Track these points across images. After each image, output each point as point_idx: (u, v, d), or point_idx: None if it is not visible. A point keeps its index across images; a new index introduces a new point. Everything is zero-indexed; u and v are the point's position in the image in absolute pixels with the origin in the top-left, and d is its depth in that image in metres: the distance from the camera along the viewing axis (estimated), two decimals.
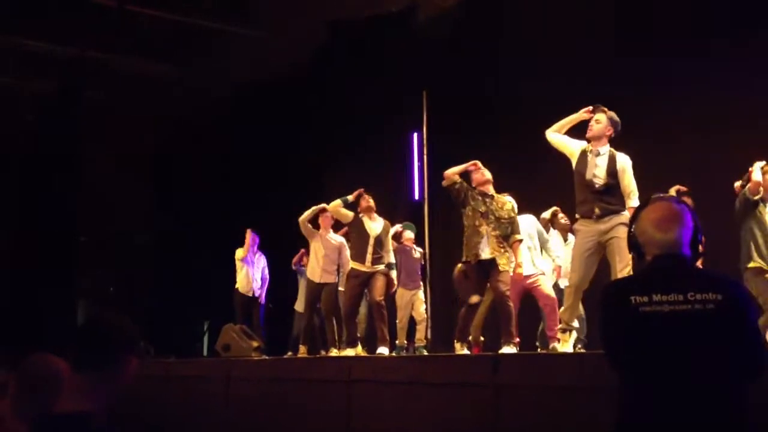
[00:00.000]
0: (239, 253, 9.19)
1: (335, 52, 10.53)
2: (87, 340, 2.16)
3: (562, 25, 8.18)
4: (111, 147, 12.05)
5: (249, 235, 9.22)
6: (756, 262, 5.83)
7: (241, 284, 9.15)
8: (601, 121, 5.30)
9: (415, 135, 10.17)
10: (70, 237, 12.47)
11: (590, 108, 5.40)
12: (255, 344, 7.81)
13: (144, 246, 13.15)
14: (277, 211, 10.02)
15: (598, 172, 5.23)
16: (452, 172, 6.24)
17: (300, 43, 10.42)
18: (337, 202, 7.28)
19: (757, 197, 5.91)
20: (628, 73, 7.55)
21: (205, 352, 12.16)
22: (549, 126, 5.55)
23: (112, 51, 10.84)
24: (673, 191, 6.29)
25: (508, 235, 6.12)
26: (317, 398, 5.59)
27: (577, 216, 5.37)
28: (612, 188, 5.21)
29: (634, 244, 2.60)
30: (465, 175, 6.31)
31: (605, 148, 5.29)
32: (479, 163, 6.30)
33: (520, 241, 6.25)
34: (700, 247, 2.55)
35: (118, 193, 12.44)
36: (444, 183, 6.28)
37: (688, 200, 6.26)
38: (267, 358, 7.75)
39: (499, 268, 5.95)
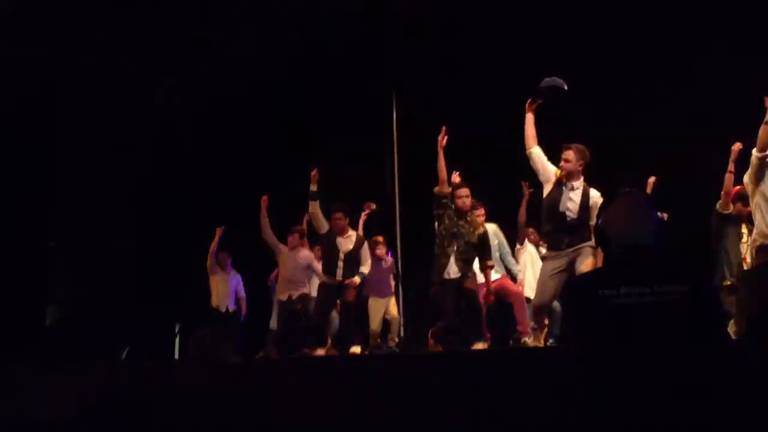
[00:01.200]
0: (209, 259, 9.02)
1: (306, 51, 10.49)
2: (57, 344, 2.14)
3: (531, 21, 8.24)
4: (85, 150, 11.87)
5: (218, 233, 9.10)
6: (730, 280, 5.87)
7: (214, 299, 9.05)
8: (569, 159, 5.37)
9: (387, 134, 10.18)
10: (39, 241, 12.26)
11: (530, 100, 5.47)
12: (227, 348, 7.77)
13: (118, 250, 12.97)
14: (252, 216, 10.01)
15: (571, 206, 5.30)
16: (443, 178, 6.23)
17: (271, 44, 10.36)
18: (311, 203, 7.23)
19: (727, 211, 5.99)
20: (599, 70, 7.60)
21: (176, 355, 12.05)
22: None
23: (85, 52, 10.67)
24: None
25: (471, 260, 6.23)
26: (291, 398, 5.57)
27: (544, 244, 5.45)
28: (583, 222, 5.30)
29: (601, 237, 2.64)
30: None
31: (579, 183, 5.38)
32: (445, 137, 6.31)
33: (491, 267, 6.36)
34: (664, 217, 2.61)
35: (91, 198, 12.27)
36: (435, 189, 6.30)
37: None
38: (239, 362, 7.71)
39: (467, 274, 6.11)
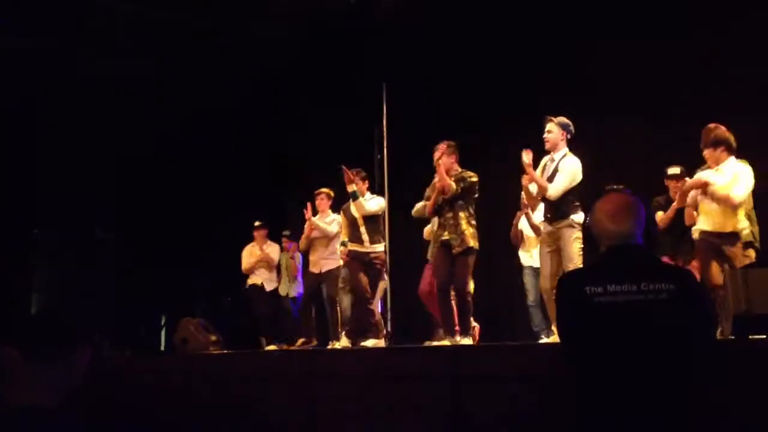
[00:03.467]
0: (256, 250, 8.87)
1: (295, 46, 10.45)
2: (40, 331, 2.13)
3: (520, 15, 8.23)
4: (70, 140, 11.80)
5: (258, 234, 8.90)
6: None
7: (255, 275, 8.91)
8: (552, 131, 5.54)
9: (376, 128, 10.14)
10: (24, 230, 12.20)
11: (524, 152, 5.50)
12: (213, 338, 7.73)
13: (103, 240, 12.93)
14: (237, 208, 9.97)
15: (547, 178, 5.50)
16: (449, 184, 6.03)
17: (260, 40, 10.31)
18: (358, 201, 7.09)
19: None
20: (587, 60, 7.59)
21: (162, 347, 12.04)
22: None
23: (71, 44, 10.58)
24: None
25: (456, 212, 6.00)
26: (281, 394, 5.55)
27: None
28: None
29: (589, 235, 2.65)
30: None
31: (560, 154, 5.52)
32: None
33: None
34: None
35: (76, 187, 12.21)
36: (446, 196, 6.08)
37: None
38: (227, 352, 7.69)
39: (454, 251, 5.89)
